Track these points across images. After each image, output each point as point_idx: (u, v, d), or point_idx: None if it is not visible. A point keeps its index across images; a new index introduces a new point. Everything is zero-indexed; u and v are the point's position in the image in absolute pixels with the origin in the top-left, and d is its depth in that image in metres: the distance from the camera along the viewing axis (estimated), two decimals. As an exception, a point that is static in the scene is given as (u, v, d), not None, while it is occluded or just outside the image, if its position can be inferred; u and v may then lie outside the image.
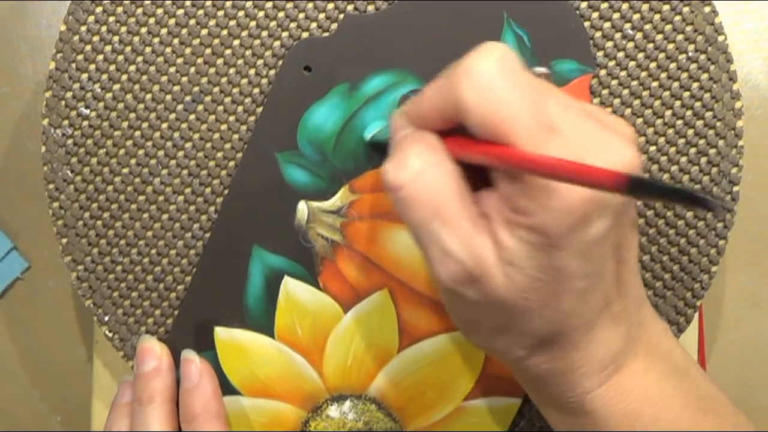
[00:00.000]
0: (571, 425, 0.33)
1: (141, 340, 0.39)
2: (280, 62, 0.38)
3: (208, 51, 0.38)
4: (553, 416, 0.34)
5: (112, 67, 0.38)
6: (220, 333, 0.39)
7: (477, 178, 0.31)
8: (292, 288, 0.39)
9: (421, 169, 0.30)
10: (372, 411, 0.40)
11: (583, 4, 0.37)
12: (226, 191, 0.39)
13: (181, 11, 0.38)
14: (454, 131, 0.30)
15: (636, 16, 0.38)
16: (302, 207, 0.38)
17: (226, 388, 0.39)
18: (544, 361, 0.32)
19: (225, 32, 0.38)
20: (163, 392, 0.38)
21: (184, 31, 0.38)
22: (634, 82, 0.38)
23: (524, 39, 0.37)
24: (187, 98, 0.39)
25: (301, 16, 0.38)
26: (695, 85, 0.38)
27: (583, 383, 0.32)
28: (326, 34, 0.38)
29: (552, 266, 0.29)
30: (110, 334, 0.40)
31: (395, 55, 0.37)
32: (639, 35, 0.38)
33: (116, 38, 0.38)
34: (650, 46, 0.38)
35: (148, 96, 0.39)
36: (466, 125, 0.29)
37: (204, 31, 0.38)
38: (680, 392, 0.33)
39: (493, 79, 0.28)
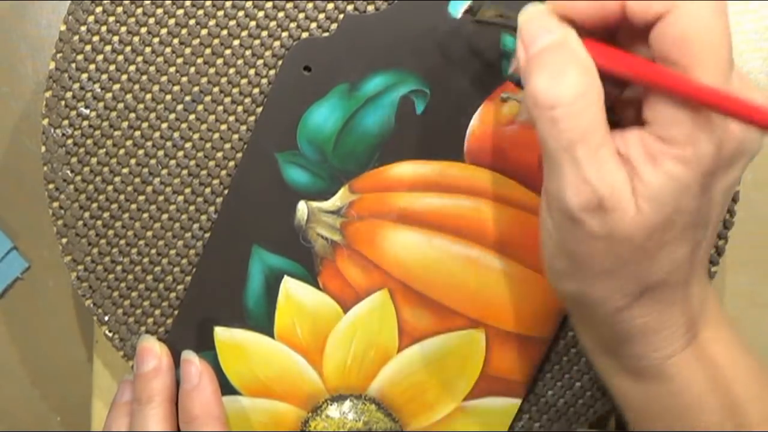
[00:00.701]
0: (645, 392, 0.33)
1: (141, 339, 0.39)
2: (280, 62, 0.38)
3: (208, 51, 0.38)
4: (626, 384, 0.33)
5: (112, 67, 0.38)
6: (220, 333, 0.39)
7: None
8: (292, 288, 0.39)
9: (580, 92, 0.28)
10: (372, 411, 0.40)
11: (583, 4, 0.38)
12: (226, 191, 0.39)
13: (181, 11, 0.38)
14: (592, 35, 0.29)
15: (636, 16, 0.38)
16: (302, 207, 0.38)
17: (226, 387, 0.39)
18: (641, 314, 0.31)
19: (225, 32, 0.38)
20: (162, 392, 0.38)
21: (184, 31, 0.38)
22: (634, 82, 0.38)
23: None
24: (187, 98, 0.39)
25: (301, 16, 0.38)
26: (695, 85, 0.38)
27: (670, 344, 0.32)
28: (326, 34, 0.38)
29: (689, 209, 0.28)
30: (110, 334, 0.40)
31: (395, 55, 0.37)
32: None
33: (116, 38, 0.38)
34: (650, 46, 0.38)
35: (148, 96, 0.39)
36: (656, 38, 0.28)
37: (204, 31, 0.38)
38: (746, 362, 0.33)
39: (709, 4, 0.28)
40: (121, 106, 0.39)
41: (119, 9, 0.38)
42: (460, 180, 0.38)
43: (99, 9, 0.38)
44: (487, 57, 0.37)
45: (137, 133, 0.39)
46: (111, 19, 0.38)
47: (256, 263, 0.39)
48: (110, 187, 0.39)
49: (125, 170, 0.39)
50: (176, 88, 0.39)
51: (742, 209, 0.40)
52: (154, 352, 0.38)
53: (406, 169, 0.38)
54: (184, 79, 0.38)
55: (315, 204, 0.38)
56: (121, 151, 0.39)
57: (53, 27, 0.46)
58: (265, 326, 0.39)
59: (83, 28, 0.38)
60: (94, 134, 0.39)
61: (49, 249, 0.48)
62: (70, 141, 0.39)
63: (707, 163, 0.28)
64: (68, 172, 0.39)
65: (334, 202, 0.38)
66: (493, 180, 0.38)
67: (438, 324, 0.39)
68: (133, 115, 0.39)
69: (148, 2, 0.38)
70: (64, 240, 0.40)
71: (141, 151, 0.39)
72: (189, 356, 0.39)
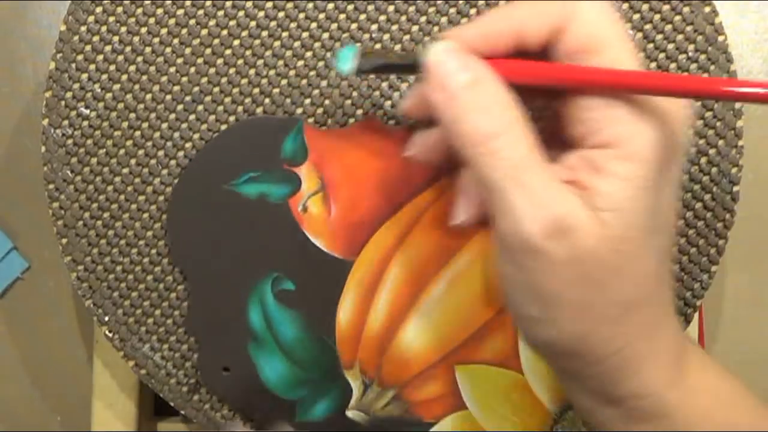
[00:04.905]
0: None
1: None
2: (280, 62, 0.38)
3: (208, 51, 0.38)
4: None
5: (112, 67, 0.38)
6: None
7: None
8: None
9: (512, 121, 0.29)
10: None
11: (583, 4, 0.37)
12: None
13: (181, 11, 0.38)
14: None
15: (636, 16, 0.38)
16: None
17: None
18: (627, 341, 0.29)
19: (225, 32, 0.38)
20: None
21: (184, 31, 0.38)
22: (634, 82, 0.38)
23: None
24: (187, 98, 0.39)
25: (302, 16, 0.38)
26: (695, 85, 0.38)
27: (661, 375, 0.30)
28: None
29: (648, 207, 0.28)
30: (110, 334, 0.40)
31: None
32: (639, 35, 0.38)
33: (116, 38, 0.38)
34: (650, 46, 0.38)
35: (148, 96, 0.39)
36: (567, 39, 0.29)
37: (204, 31, 0.38)
38: (739, 389, 0.32)
39: (606, 6, 0.29)
40: (121, 106, 0.39)
41: (119, 9, 0.38)
42: None
43: (99, 9, 0.38)
44: None
45: (137, 133, 0.39)
46: (111, 19, 0.38)
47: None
48: (110, 187, 0.39)
49: (125, 170, 0.39)
50: (176, 88, 0.39)
51: (742, 209, 0.40)
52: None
53: None
54: (184, 79, 0.38)
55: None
56: (121, 151, 0.39)
57: (53, 27, 0.46)
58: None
59: (83, 28, 0.38)
60: (94, 134, 0.39)
61: (49, 249, 0.48)
62: (70, 141, 0.39)
63: (650, 154, 0.28)
64: (68, 172, 0.39)
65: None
66: None
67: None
68: (133, 115, 0.39)
69: (149, 2, 0.38)
70: (64, 240, 0.40)
71: (141, 151, 0.39)
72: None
